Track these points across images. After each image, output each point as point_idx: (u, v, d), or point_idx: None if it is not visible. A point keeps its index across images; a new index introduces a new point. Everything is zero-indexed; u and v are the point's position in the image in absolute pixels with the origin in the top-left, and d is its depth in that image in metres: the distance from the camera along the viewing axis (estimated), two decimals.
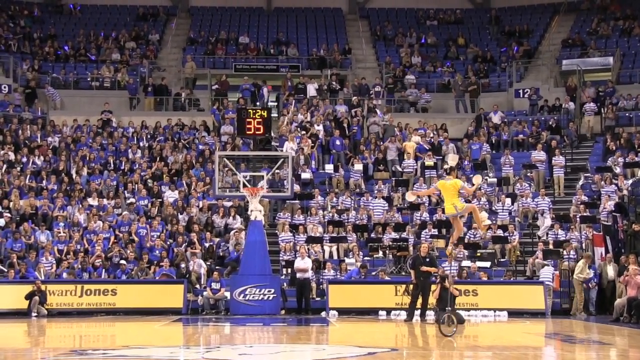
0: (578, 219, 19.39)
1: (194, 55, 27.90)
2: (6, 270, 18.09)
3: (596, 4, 30.07)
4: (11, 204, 20.11)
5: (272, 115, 24.32)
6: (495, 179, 21.47)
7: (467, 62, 28.20)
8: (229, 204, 20.54)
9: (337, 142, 23.06)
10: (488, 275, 18.21)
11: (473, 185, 12.56)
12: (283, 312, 17.54)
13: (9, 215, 19.68)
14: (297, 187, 20.71)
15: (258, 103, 25.24)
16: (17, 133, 23.36)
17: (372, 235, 19.73)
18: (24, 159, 22.17)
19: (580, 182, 21.38)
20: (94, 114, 24.90)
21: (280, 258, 19.07)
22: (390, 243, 19.19)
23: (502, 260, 19.18)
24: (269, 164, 20.26)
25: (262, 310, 16.98)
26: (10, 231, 19.16)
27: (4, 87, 25.79)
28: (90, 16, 30.87)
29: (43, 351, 10.81)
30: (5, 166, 21.66)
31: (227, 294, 17.46)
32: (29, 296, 17.03)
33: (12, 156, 22.26)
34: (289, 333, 13.52)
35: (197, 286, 18.12)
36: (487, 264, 18.58)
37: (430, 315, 15.31)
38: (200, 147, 23.19)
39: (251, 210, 17.66)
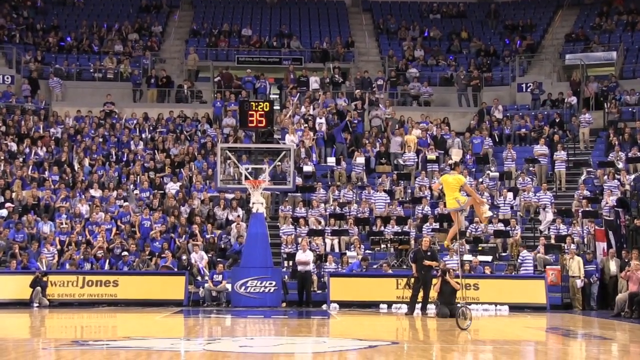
0: (580, 213, 19.38)
1: (196, 47, 27.87)
2: (8, 260, 18.12)
3: None
4: (13, 194, 20.13)
5: (275, 107, 24.30)
6: (497, 173, 21.45)
7: (470, 55, 28.13)
8: (230, 196, 20.54)
9: (341, 134, 23.06)
10: (491, 269, 18.21)
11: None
12: (284, 304, 17.56)
13: (11, 205, 19.69)
14: (299, 180, 20.72)
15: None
16: (20, 124, 23.37)
17: (374, 228, 19.74)
18: (27, 150, 22.18)
19: (583, 177, 21.36)
20: (97, 106, 24.90)
21: (282, 250, 19.09)
22: (392, 236, 19.19)
23: (503, 254, 19.18)
24: (271, 156, 20.26)
25: (263, 302, 17.01)
26: (12, 222, 19.17)
27: (7, 78, 25.79)
28: (93, 7, 30.84)
29: (44, 342, 10.82)
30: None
31: (228, 286, 17.49)
32: (34, 284, 17.07)
33: (14, 147, 22.27)
34: (290, 325, 13.53)
35: (199, 278, 18.15)
36: (489, 258, 18.58)
37: (432, 308, 15.32)
38: (202, 139, 23.18)
39: (253, 203, 17.68)
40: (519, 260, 18.25)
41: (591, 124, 23.39)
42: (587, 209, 19.43)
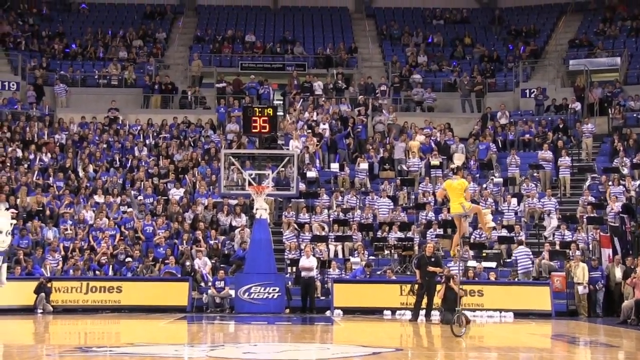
0: (585, 219, 19.31)
1: (200, 53, 27.94)
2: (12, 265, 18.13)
3: (604, 4, 29.94)
4: (18, 200, 20.15)
5: (278, 113, 24.32)
6: (501, 179, 21.41)
7: (474, 61, 28.13)
8: (234, 202, 20.54)
9: (344, 140, 23.07)
10: (496, 275, 18.14)
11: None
12: (287, 310, 17.53)
13: (15, 211, 19.68)
14: (302, 186, 20.71)
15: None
16: (25, 130, 23.42)
17: (378, 234, 19.70)
18: (32, 156, 22.23)
19: (587, 183, 21.28)
20: (101, 112, 24.93)
21: (285, 256, 19.07)
22: (396, 242, 19.16)
23: (507, 260, 19.11)
24: (274, 162, 20.24)
25: (267, 308, 16.97)
26: (17, 228, 19.16)
27: (12, 85, 25.86)
28: (98, 14, 30.95)
29: (48, 348, 10.82)
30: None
31: (232, 292, 17.46)
32: (38, 290, 17.09)
33: (19, 153, 22.32)
34: (294, 332, 13.51)
35: (202, 284, 18.13)
36: (493, 265, 18.52)
37: (436, 315, 15.27)
38: (206, 145, 23.20)
39: (256, 209, 17.67)
40: (513, 257, 18.21)
41: (594, 133, 23.23)
42: (592, 215, 19.36)
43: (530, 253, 18.29)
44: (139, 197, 20.79)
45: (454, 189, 11.66)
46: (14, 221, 17.05)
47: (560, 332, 14.32)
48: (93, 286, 17.64)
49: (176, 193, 20.94)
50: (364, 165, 22.01)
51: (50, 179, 21.38)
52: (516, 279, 18.18)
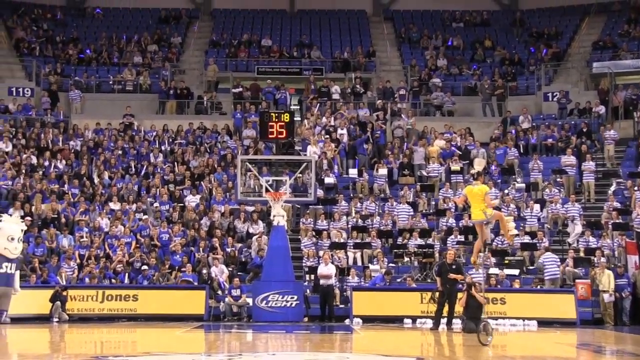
0: (610, 225, 18.89)
1: (216, 58, 27.81)
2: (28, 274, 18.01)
3: (628, 5, 29.45)
4: (33, 208, 20.04)
5: (295, 118, 24.08)
6: (523, 185, 21.04)
7: (494, 64, 27.76)
8: (251, 208, 20.31)
9: (364, 146, 22.79)
10: (519, 282, 17.76)
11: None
12: (306, 319, 17.28)
13: (29, 219, 19.58)
14: (320, 192, 20.44)
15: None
16: (40, 137, 23.36)
17: (397, 241, 19.39)
18: (46, 163, 22.14)
19: (612, 188, 20.83)
20: (116, 118, 24.83)
21: (303, 264, 18.81)
22: (416, 249, 18.84)
23: (530, 267, 18.71)
24: (291, 168, 20.01)
25: (285, 317, 16.73)
26: (32, 235, 19.06)
27: (27, 91, 25.86)
28: (112, 19, 30.97)
29: (64, 357, 10.70)
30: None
31: (249, 301, 17.21)
32: (54, 299, 16.94)
33: (34, 160, 22.25)
34: (312, 341, 13.26)
35: (219, 292, 17.90)
36: (516, 272, 18.14)
37: (457, 323, 14.94)
38: (222, 151, 23.01)
39: (274, 216, 17.43)
40: (540, 262, 17.80)
41: (616, 139, 22.74)
42: (617, 220, 18.96)
43: (558, 260, 17.89)
44: (155, 204, 20.61)
45: (474, 194, 11.38)
46: (25, 227, 16.99)
47: (586, 341, 13.93)
48: (109, 294, 17.47)
49: (192, 200, 20.75)
50: (383, 171, 21.71)
51: (65, 186, 21.27)
52: (539, 287, 17.77)
